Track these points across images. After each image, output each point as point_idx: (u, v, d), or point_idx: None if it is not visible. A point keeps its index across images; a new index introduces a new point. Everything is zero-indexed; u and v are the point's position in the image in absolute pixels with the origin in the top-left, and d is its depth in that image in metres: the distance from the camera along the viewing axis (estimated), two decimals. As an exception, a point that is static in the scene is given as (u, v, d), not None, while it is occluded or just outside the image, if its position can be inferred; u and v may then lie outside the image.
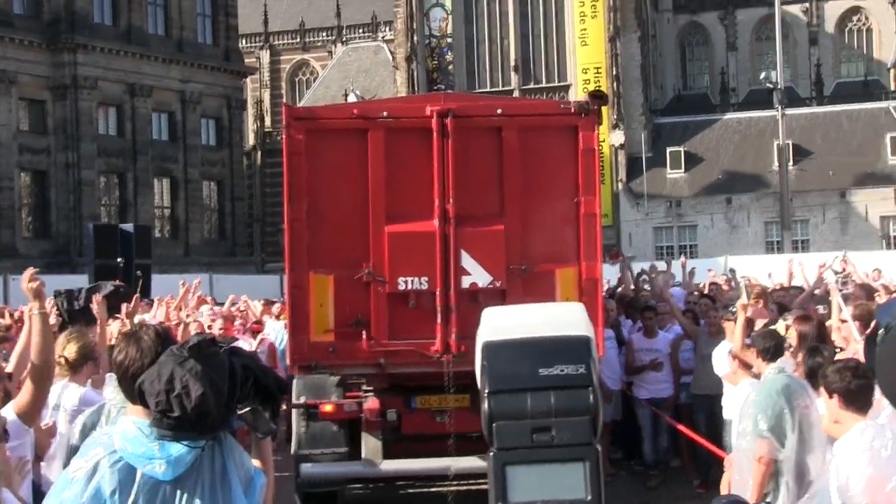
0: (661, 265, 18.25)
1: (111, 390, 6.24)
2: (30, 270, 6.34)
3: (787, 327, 8.79)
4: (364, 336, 10.98)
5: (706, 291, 17.05)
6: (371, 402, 11.40)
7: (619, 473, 13.78)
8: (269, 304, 20.11)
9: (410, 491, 12.47)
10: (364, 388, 11.59)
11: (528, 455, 1.37)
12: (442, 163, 10.94)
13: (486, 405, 1.36)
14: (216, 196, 63.39)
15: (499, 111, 11.35)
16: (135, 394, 4.34)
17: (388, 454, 11.59)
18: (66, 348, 7.71)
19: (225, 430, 4.47)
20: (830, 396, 5.86)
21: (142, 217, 52.35)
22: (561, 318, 1.60)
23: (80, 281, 25.62)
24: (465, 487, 12.13)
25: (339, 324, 11.06)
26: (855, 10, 76.33)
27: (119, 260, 24.12)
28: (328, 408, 11.30)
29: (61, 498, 4.27)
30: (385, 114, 11.26)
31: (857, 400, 5.79)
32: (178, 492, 4.30)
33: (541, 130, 11.24)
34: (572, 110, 11.13)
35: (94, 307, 8.91)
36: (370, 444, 11.58)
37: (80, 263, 43.44)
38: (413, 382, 11.50)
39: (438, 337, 10.97)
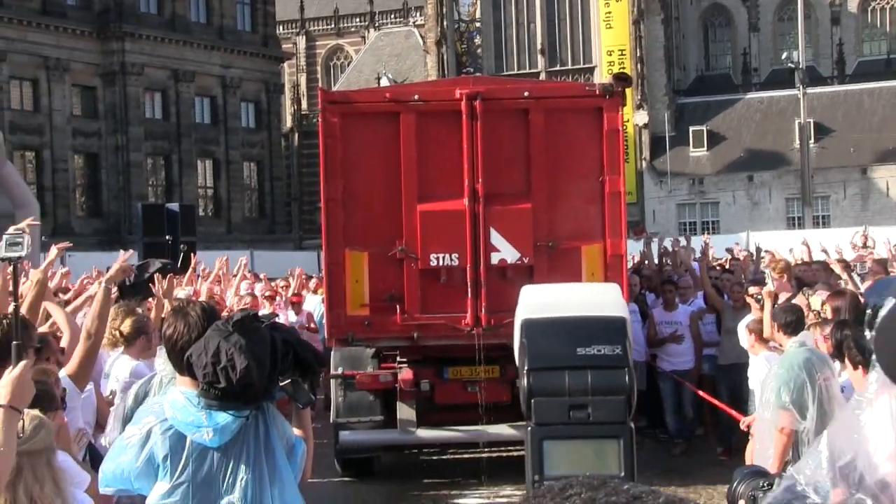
0: (682, 240, 18.18)
1: (161, 362, 6.33)
2: (127, 253, 6.55)
3: (823, 303, 8.77)
4: (398, 310, 11.06)
5: (727, 266, 16.97)
6: (405, 373, 11.47)
7: (643, 442, 13.75)
8: (308, 279, 20.24)
9: (444, 458, 12.55)
10: (398, 359, 11.66)
11: (565, 431, 1.39)
12: (471, 144, 10.98)
13: (525, 381, 1.37)
14: (256, 176, 63.62)
15: (526, 94, 11.35)
16: (183, 366, 4.44)
17: (421, 422, 11.67)
18: (123, 322, 7.80)
19: (267, 401, 4.55)
20: (855, 368, 5.83)
21: (186, 196, 52.63)
22: (597, 298, 1.60)
23: (131, 258, 25.78)
24: (496, 455, 12.21)
25: (374, 299, 11.15)
26: (876, -11, 75.36)
27: (168, 238, 24.29)
28: (365, 378, 11.37)
29: (118, 462, 4.38)
30: (416, 97, 11.29)
31: None
32: (225, 458, 4.39)
33: (566, 112, 11.25)
34: (597, 92, 11.13)
35: (154, 286, 9.00)
36: (405, 413, 11.66)
37: (130, 241, 43.68)
38: (445, 354, 11.56)
39: (469, 311, 11.03)
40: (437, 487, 11.73)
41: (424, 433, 11.71)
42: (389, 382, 11.60)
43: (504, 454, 12.76)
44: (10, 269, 5.26)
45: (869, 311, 1.55)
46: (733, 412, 11.23)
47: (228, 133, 60.36)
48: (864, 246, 22.93)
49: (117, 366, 7.72)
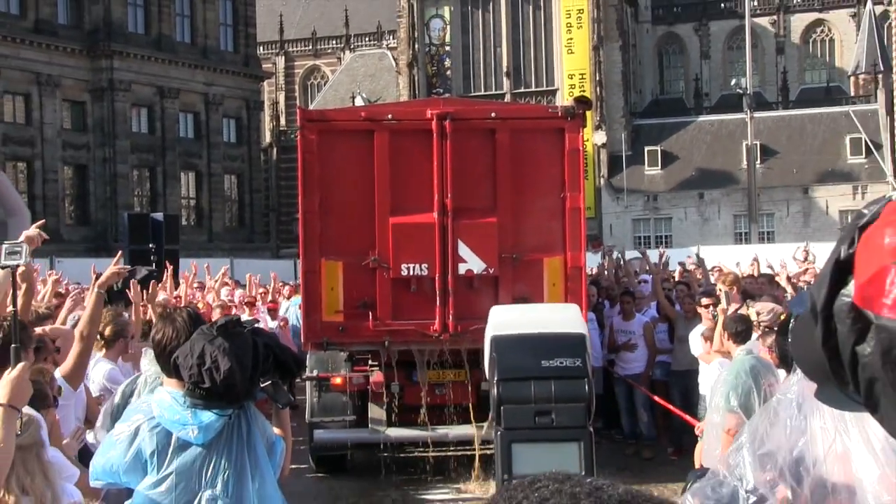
0: (636, 253, 18.31)
1: (147, 362, 6.32)
2: (118, 261, 6.63)
3: (758, 313, 8.82)
4: (370, 316, 11.05)
5: (679, 278, 17.06)
6: (376, 376, 11.49)
7: (600, 442, 13.79)
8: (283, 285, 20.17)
9: (412, 455, 12.54)
10: (370, 362, 11.66)
11: (531, 434, 1.42)
12: (441, 161, 10.99)
13: (495, 390, 1.40)
14: (236, 188, 63.39)
15: (493, 114, 11.38)
16: (171, 368, 4.46)
17: (391, 422, 11.68)
18: (105, 326, 7.74)
19: (249, 401, 4.58)
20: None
21: (170, 207, 52.33)
22: (559, 316, 1.63)
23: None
24: (460, 453, 12.20)
25: (348, 305, 11.14)
26: (819, 22, 76.16)
27: (151, 245, 24.15)
28: (338, 380, 11.45)
29: (107, 457, 4.40)
30: (390, 116, 11.31)
31: None
32: (209, 454, 4.41)
33: (531, 132, 11.29)
34: (559, 114, 11.18)
35: (130, 292, 8.96)
36: (376, 413, 11.68)
37: (116, 248, 43.44)
38: (414, 358, 11.57)
39: (437, 318, 11.04)
40: (405, 483, 11.72)
41: (394, 432, 11.72)
42: (362, 384, 11.63)
43: (469, 453, 12.77)
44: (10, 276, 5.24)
45: (792, 320, 1.59)
46: (685, 416, 11.30)
47: (211, 147, 60.12)
48: (805, 260, 23.17)
49: (95, 370, 7.67)
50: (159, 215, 33.06)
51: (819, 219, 62.97)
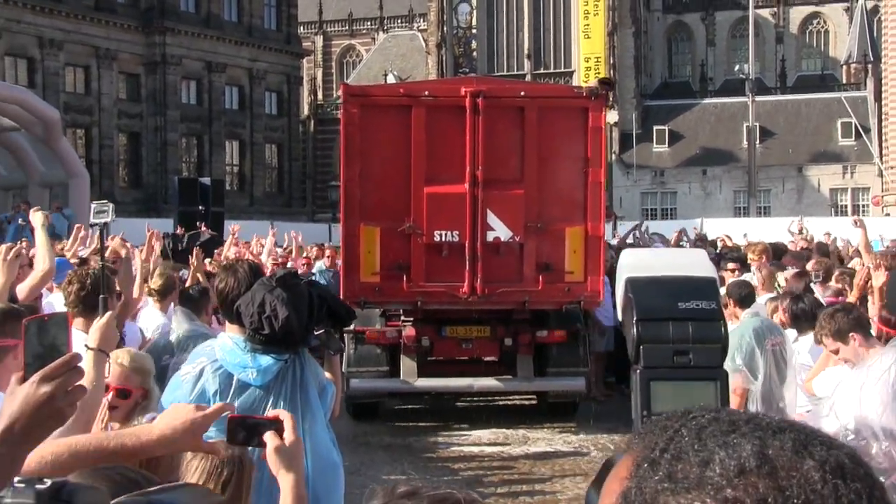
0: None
1: (176, 322, 6.29)
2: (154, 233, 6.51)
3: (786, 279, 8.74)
4: (405, 278, 10.99)
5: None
6: (408, 330, 11.46)
7: (612, 395, 13.76)
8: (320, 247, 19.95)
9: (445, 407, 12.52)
10: (402, 318, 11.61)
11: (670, 374, 1.37)
12: (473, 135, 10.88)
13: (634, 330, 1.36)
14: (276, 157, 63.36)
15: (522, 93, 11.27)
16: (233, 315, 4.47)
17: (421, 373, 11.65)
18: (154, 280, 7.70)
19: (304, 347, 4.55)
20: (845, 340, 5.39)
21: (215, 172, 52.32)
22: (687, 260, 1.58)
23: (166, 224, 25.73)
24: (483, 403, 12.19)
25: (384, 268, 11.08)
26: (815, 14, 75.23)
27: (201, 208, 24.19)
28: (373, 334, 11.30)
29: (175, 395, 4.40)
30: (426, 93, 11.20)
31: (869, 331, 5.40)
32: (266, 394, 4.39)
33: (557, 110, 11.16)
34: (584, 94, 11.05)
35: (192, 257, 8.91)
36: (407, 365, 11.66)
37: (166, 210, 43.64)
38: (443, 315, 11.53)
39: (466, 281, 10.98)
40: (433, 430, 11.69)
41: (423, 382, 11.71)
42: (394, 338, 11.59)
43: (491, 402, 12.76)
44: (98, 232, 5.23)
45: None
46: None
47: (254, 118, 60.08)
48: (800, 232, 23.08)
49: (147, 318, 7.61)
50: (206, 180, 33.16)
51: (811, 195, 62.56)
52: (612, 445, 10.87)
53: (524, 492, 9.26)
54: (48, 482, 1.23)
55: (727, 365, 7.34)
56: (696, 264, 1.60)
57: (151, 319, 7.65)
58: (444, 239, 10.94)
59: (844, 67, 70.26)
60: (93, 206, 4.84)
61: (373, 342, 11.50)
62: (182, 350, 5.98)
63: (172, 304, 7.56)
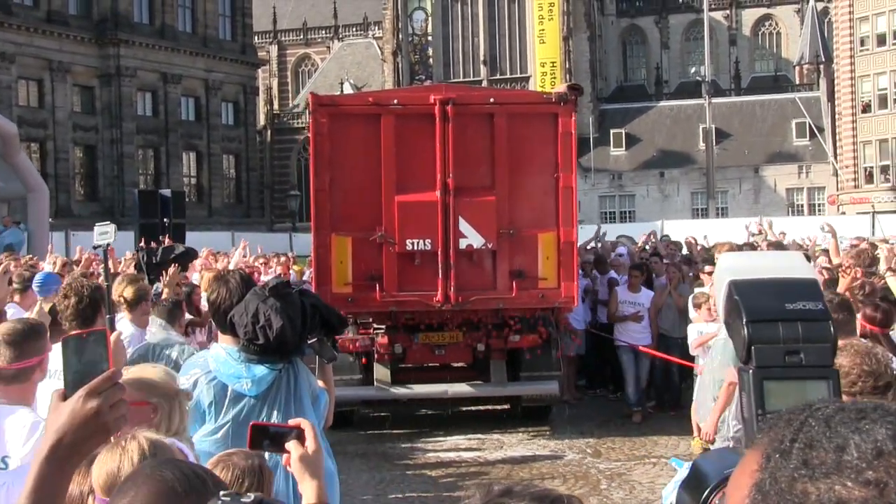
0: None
1: (153, 329, 6.25)
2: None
3: None
4: (377, 288, 10.97)
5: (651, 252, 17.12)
6: (381, 338, 11.45)
7: (583, 398, 13.85)
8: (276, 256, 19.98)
9: (419, 413, 12.51)
10: (375, 326, 11.59)
11: (782, 373, 1.41)
12: (443, 143, 10.90)
13: (745, 332, 1.40)
14: (234, 167, 62.99)
15: (491, 100, 11.29)
16: (226, 325, 4.46)
17: (395, 380, 11.64)
18: (125, 290, 7.62)
19: (297, 356, 4.56)
20: None
21: (173, 184, 51.82)
22: (787, 263, 1.61)
23: (127, 237, 25.44)
24: (457, 409, 12.20)
25: (357, 278, 11.06)
26: (767, 16, 76.28)
27: (165, 220, 23.94)
28: (346, 342, 11.25)
29: None
30: (395, 101, 11.20)
31: (844, 330, 5.58)
32: (261, 405, 4.41)
33: (526, 116, 11.20)
34: (553, 100, 11.09)
35: (167, 272, 8.84)
36: (380, 373, 11.64)
37: (124, 223, 43.11)
38: (416, 322, 11.53)
39: (440, 289, 10.98)
40: (407, 436, 11.69)
41: (397, 390, 11.69)
42: (368, 346, 11.56)
43: (464, 409, 12.77)
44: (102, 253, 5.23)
45: None
46: (686, 362, 11.29)
47: (210, 129, 59.71)
48: (760, 233, 23.32)
49: (117, 326, 7.54)
50: (167, 192, 32.80)
51: (768, 196, 63.32)
52: (588, 448, 10.94)
53: (504, 497, 9.28)
54: (252, 496, 1.28)
55: (717, 359, 7.42)
56: (795, 266, 1.64)
57: (123, 330, 7.57)
58: (416, 247, 10.94)
59: (797, 68, 71.23)
60: (96, 227, 4.87)
61: (346, 350, 11.46)
62: (156, 358, 5.95)
63: (146, 315, 7.53)
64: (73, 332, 2.15)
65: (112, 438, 2.03)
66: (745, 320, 1.53)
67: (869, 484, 0.85)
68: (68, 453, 1.85)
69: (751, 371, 1.53)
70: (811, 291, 1.59)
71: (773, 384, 1.53)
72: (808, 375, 1.54)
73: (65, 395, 1.89)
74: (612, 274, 14.03)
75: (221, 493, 1.79)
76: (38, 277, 8.05)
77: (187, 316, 8.22)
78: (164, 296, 8.33)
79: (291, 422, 2.43)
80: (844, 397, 4.99)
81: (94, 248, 5.10)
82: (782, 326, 1.54)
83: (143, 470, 2.09)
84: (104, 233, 4.82)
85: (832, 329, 1.57)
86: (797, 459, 0.90)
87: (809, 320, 1.55)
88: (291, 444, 2.35)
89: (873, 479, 0.85)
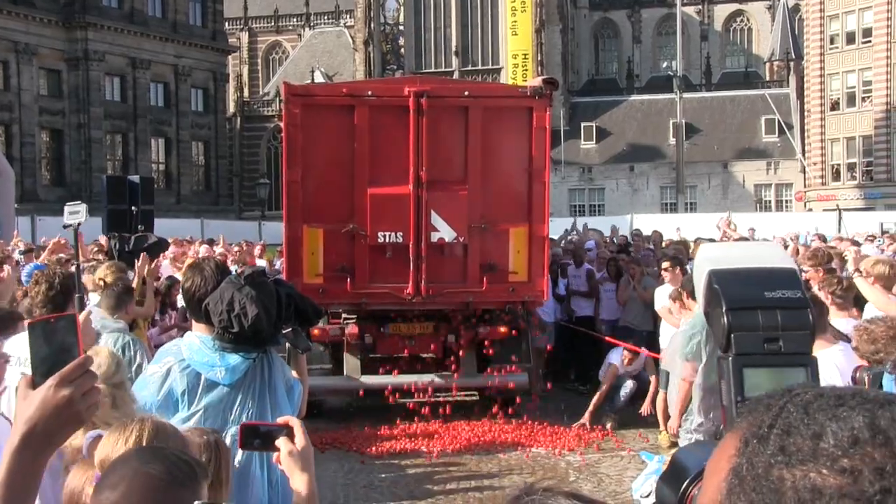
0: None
1: (94, 318, 6.24)
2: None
3: None
4: (349, 280, 10.99)
5: (620, 244, 17.28)
6: (351, 328, 11.46)
7: (552, 391, 13.88)
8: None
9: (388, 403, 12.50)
10: (345, 316, 11.60)
11: (761, 360, 1.44)
12: (417, 136, 10.91)
13: (724, 320, 1.43)
14: (203, 154, 62.68)
15: (466, 93, 11.29)
16: (200, 313, 4.45)
17: (365, 371, 11.67)
18: (107, 275, 7.61)
19: (272, 346, 4.57)
20: None
21: (141, 170, 51.40)
22: (766, 253, 1.64)
23: (95, 223, 25.24)
24: (426, 400, 12.21)
25: (328, 269, 11.07)
26: (739, 12, 76.82)
27: (133, 209, 23.72)
28: (315, 332, 11.20)
29: (141, 395, 4.38)
30: (370, 93, 11.18)
31: (817, 327, 5.65)
32: (235, 393, 4.41)
33: (501, 110, 11.21)
34: (528, 94, 11.11)
35: (138, 262, 8.80)
36: (350, 363, 11.66)
37: (92, 208, 42.62)
38: (386, 312, 11.56)
39: (411, 282, 11.02)
40: (375, 426, 11.68)
41: (367, 380, 11.71)
42: (337, 336, 11.58)
43: (432, 399, 12.78)
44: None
45: None
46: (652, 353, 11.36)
47: (179, 115, 59.39)
48: (729, 226, 23.53)
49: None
50: (135, 178, 32.44)
51: (736, 191, 63.82)
52: (556, 441, 11.02)
53: (472, 488, 9.36)
54: None
55: (675, 353, 7.50)
56: (775, 256, 1.67)
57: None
58: (387, 240, 10.96)
59: (768, 65, 71.81)
60: (66, 207, 4.88)
61: (316, 340, 11.45)
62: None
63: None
64: (40, 317, 2.10)
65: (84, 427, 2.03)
66: (724, 308, 1.59)
67: (844, 472, 0.87)
68: (40, 443, 1.83)
69: (730, 358, 1.59)
70: (790, 280, 1.65)
71: (752, 371, 1.59)
72: (787, 363, 1.60)
73: (34, 382, 1.85)
74: (588, 266, 14.20)
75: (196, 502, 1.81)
76: (27, 269, 8.05)
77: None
78: (134, 285, 8.32)
79: (280, 420, 2.50)
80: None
81: (65, 226, 5.10)
82: (761, 314, 1.61)
83: (129, 462, 2.12)
84: (75, 212, 4.83)
85: (811, 317, 1.64)
86: (774, 445, 0.91)
87: (788, 308, 1.61)
88: (281, 441, 2.42)
89: (848, 468, 0.87)
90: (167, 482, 2.06)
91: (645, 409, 8.58)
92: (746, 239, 15.23)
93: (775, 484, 0.89)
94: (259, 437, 2.45)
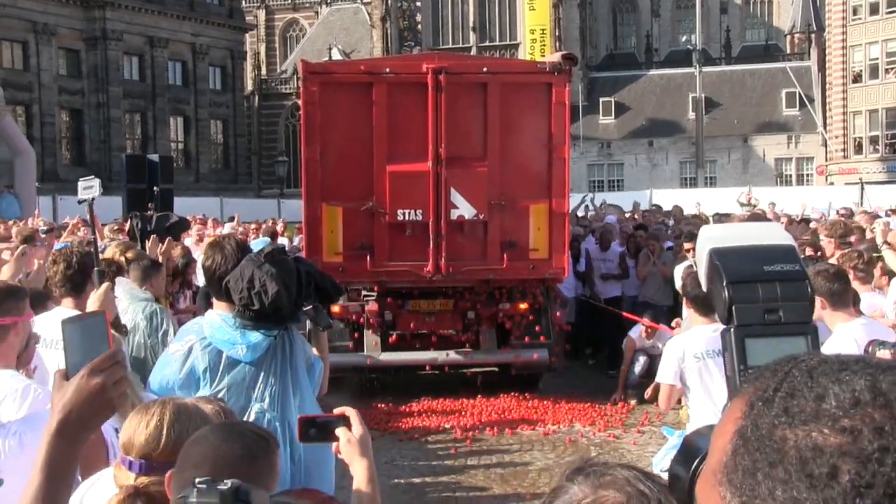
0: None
1: (119, 294, 6.31)
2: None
3: None
4: (368, 258, 11.01)
5: (640, 221, 17.22)
6: (371, 305, 11.49)
7: (572, 366, 13.90)
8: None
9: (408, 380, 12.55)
10: (364, 293, 11.63)
11: (762, 330, 1.46)
12: (436, 112, 10.89)
13: (725, 293, 1.45)
14: (221, 132, 62.82)
15: (485, 69, 11.25)
16: (221, 291, 4.47)
17: (385, 348, 11.71)
18: (115, 253, 7.73)
19: (293, 324, 4.58)
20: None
21: (160, 149, 51.55)
22: (765, 232, 1.66)
23: (115, 202, 25.39)
24: (447, 376, 12.26)
25: (347, 247, 11.09)
26: (759, -17, 76.09)
27: (155, 189, 23.83)
28: (336, 309, 11.22)
29: (163, 374, 4.42)
30: (388, 70, 11.16)
31: (841, 301, 5.61)
32: (256, 371, 4.43)
33: (520, 86, 11.16)
34: (547, 69, 11.06)
35: (150, 244, 8.89)
36: (370, 340, 11.69)
37: (111, 187, 42.95)
38: (406, 289, 11.58)
39: (431, 260, 11.03)
40: (395, 403, 11.73)
41: (387, 357, 11.75)
42: (357, 313, 11.61)
43: (454, 376, 12.84)
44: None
45: None
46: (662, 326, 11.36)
47: (198, 94, 59.48)
48: (749, 203, 23.46)
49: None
50: (155, 157, 32.54)
51: (757, 165, 63.42)
52: (577, 416, 11.04)
53: (494, 464, 9.41)
54: (228, 483, 1.38)
55: None
56: (774, 235, 1.70)
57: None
58: (407, 218, 10.97)
59: (788, 37, 71.11)
60: (80, 182, 4.91)
61: (336, 317, 11.48)
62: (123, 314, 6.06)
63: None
64: (73, 316, 2.26)
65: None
66: (725, 282, 1.62)
67: (844, 431, 0.90)
68: (76, 428, 1.95)
69: (732, 330, 1.62)
70: (788, 255, 1.68)
71: (753, 341, 1.62)
72: (787, 332, 1.63)
73: (67, 375, 2.00)
74: (618, 247, 14.12)
75: (197, 480, 1.89)
76: (56, 247, 8.13)
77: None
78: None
79: (336, 411, 2.56)
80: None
81: (80, 202, 5.14)
82: (761, 287, 1.64)
83: (209, 439, 2.22)
84: (88, 187, 4.85)
85: (809, 288, 1.67)
86: (778, 407, 0.94)
87: (787, 280, 1.64)
88: (340, 431, 2.51)
89: (849, 427, 0.90)
90: (247, 457, 2.17)
91: (648, 392, 8.50)
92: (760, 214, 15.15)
93: (778, 444, 0.92)
94: (316, 428, 2.55)
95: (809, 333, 1.67)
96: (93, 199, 5.01)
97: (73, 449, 1.96)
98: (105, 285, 3.70)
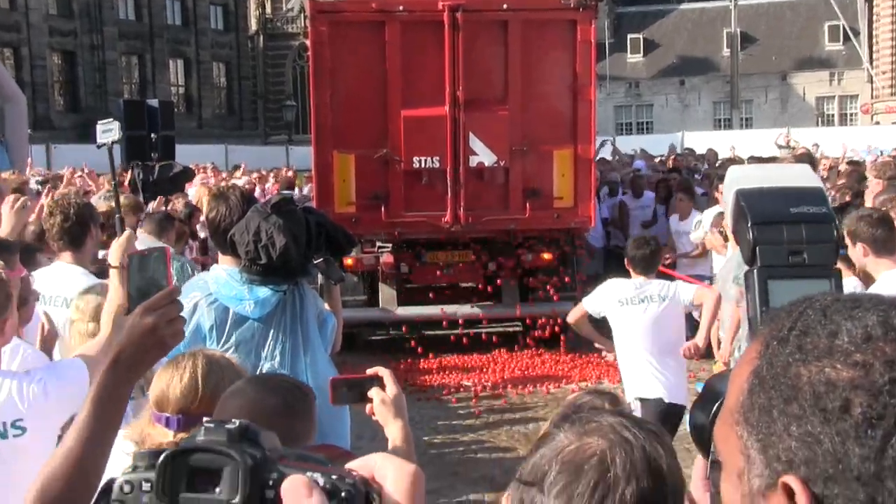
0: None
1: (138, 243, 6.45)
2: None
3: None
4: (383, 208, 11.04)
5: (671, 165, 17.20)
6: (386, 257, 11.56)
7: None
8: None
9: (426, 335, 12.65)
10: (380, 245, 11.68)
11: (786, 272, 1.52)
12: (452, 53, 10.85)
13: (749, 234, 1.51)
14: (225, 76, 62.66)
15: (504, 6, 11.16)
16: (226, 245, 4.48)
17: (401, 301, 11.78)
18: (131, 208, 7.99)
19: (303, 277, 4.60)
20: (854, 245, 5.57)
21: (160, 94, 51.37)
22: (792, 173, 1.71)
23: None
24: (467, 331, 12.36)
25: (361, 197, 11.11)
26: None
27: (153, 136, 23.88)
28: (349, 261, 11.28)
29: None
30: (401, 8, 11.09)
31: (885, 247, 5.53)
32: (265, 328, 4.46)
33: (542, 23, 11.10)
34: (571, 5, 10.99)
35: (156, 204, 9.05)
36: (386, 293, 11.77)
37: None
38: (423, 240, 11.63)
39: (449, 210, 11.04)
40: (413, 359, 11.84)
41: (403, 311, 11.83)
42: (372, 265, 11.68)
43: (473, 331, 12.93)
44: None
45: None
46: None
47: (198, 34, 59.23)
48: (788, 145, 23.34)
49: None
50: (154, 102, 32.58)
51: (796, 105, 62.91)
52: (604, 370, 11.13)
53: (517, 420, 9.52)
54: (236, 423, 1.46)
55: (727, 279, 7.54)
56: (801, 176, 1.74)
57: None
58: (423, 165, 10.98)
59: (831, -34, 70.13)
60: (98, 125, 5.02)
61: (349, 270, 11.53)
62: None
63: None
64: (136, 251, 2.38)
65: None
66: (749, 223, 1.69)
67: (857, 365, 0.97)
68: (127, 366, 2.06)
69: (755, 271, 1.69)
70: (815, 197, 1.74)
71: (776, 283, 1.69)
72: (811, 275, 1.69)
73: (127, 310, 2.15)
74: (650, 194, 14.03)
75: (205, 419, 1.97)
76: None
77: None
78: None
79: (369, 371, 2.63)
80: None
81: (98, 146, 5.22)
82: (786, 229, 1.70)
83: (246, 393, 2.33)
84: (108, 130, 4.95)
85: (835, 231, 1.73)
86: (793, 345, 1.01)
87: (812, 223, 1.71)
88: (374, 392, 2.58)
89: (861, 361, 0.97)
90: (285, 409, 2.27)
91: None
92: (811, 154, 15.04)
93: (792, 380, 0.99)
94: (348, 389, 2.63)
95: (833, 276, 1.74)
96: (112, 142, 5.10)
97: (122, 386, 2.06)
98: (127, 232, 3.77)
